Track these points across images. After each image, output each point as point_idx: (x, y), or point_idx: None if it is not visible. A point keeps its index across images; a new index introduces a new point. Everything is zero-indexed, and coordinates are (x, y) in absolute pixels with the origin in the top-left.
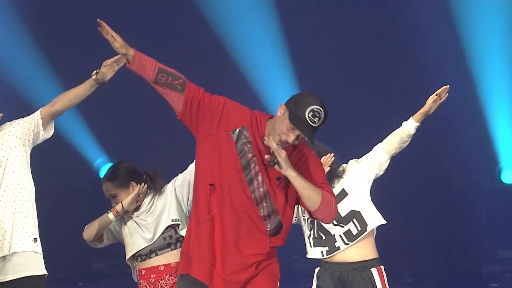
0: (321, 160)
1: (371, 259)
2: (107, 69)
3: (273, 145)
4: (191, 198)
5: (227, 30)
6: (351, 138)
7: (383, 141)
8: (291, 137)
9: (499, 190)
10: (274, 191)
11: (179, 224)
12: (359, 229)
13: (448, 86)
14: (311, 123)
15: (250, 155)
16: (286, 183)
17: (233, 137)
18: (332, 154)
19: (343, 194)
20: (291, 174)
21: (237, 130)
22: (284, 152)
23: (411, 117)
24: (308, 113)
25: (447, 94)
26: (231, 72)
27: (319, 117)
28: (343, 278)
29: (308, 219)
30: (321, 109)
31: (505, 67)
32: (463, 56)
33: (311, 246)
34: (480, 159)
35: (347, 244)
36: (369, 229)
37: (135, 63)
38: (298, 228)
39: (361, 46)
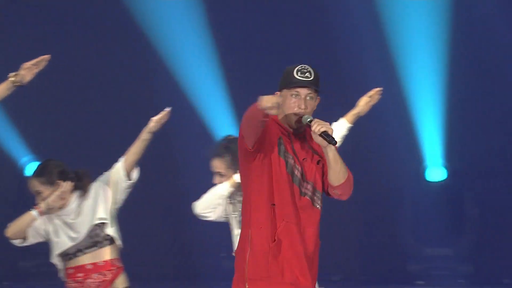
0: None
1: None
2: (26, 72)
3: (316, 121)
4: (117, 196)
5: (155, 29)
6: None
7: None
8: (301, 102)
9: (424, 188)
10: (314, 178)
11: (105, 223)
12: None
13: (380, 88)
14: (305, 79)
15: (292, 162)
16: (311, 160)
17: (278, 150)
18: None
19: None
20: (332, 148)
21: (278, 142)
22: (327, 123)
23: (342, 118)
24: (297, 74)
25: (379, 96)
26: (160, 71)
27: (309, 71)
28: None
29: (236, 217)
30: (305, 66)
31: (431, 67)
32: (389, 55)
33: None
34: (405, 158)
35: None
36: None
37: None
38: (225, 226)
39: (286, 45)
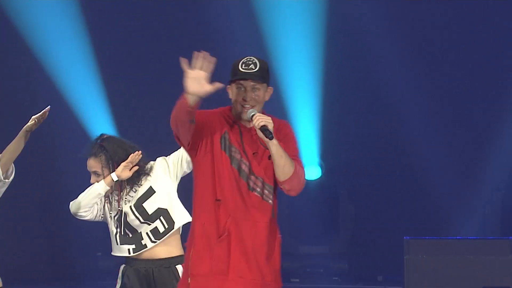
0: (129, 157)
1: (176, 256)
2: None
3: (258, 115)
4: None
5: (31, 30)
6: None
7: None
8: (245, 95)
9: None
10: (263, 172)
11: None
12: (166, 226)
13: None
14: (249, 71)
15: (238, 156)
16: (262, 155)
17: (221, 145)
18: (140, 152)
19: (150, 191)
20: (274, 142)
21: (221, 137)
22: (260, 114)
23: None
24: (241, 66)
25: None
26: (37, 71)
27: (254, 63)
28: (148, 274)
29: (115, 216)
30: (251, 58)
31: (306, 66)
32: (265, 51)
33: (117, 244)
34: None
35: (154, 242)
36: (176, 226)
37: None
38: (102, 225)
39: (169, 44)
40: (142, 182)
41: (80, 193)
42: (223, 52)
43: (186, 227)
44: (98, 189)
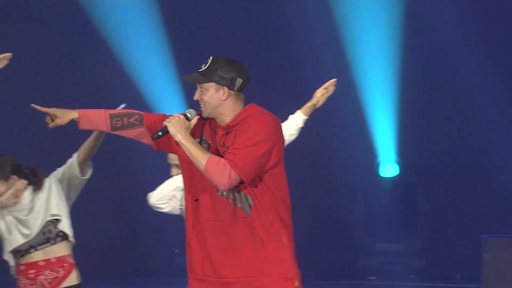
0: None
1: None
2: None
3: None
4: (70, 193)
5: (111, 29)
6: None
7: None
8: (196, 93)
9: (377, 184)
10: None
11: (58, 219)
12: None
13: (335, 79)
14: (194, 73)
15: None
16: None
17: None
18: None
19: None
20: (179, 139)
21: (199, 139)
22: (177, 117)
23: (298, 110)
24: None
25: (334, 87)
26: (115, 69)
27: (205, 63)
28: None
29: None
30: (210, 57)
31: (384, 64)
32: (343, 53)
33: None
34: (359, 154)
35: None
36: None
37: (85, 123)
38: (179, 220)
39: (246, 43)
40: None
41: (159, 185)
42: (301, 52)
43: None
44: (177, 182)
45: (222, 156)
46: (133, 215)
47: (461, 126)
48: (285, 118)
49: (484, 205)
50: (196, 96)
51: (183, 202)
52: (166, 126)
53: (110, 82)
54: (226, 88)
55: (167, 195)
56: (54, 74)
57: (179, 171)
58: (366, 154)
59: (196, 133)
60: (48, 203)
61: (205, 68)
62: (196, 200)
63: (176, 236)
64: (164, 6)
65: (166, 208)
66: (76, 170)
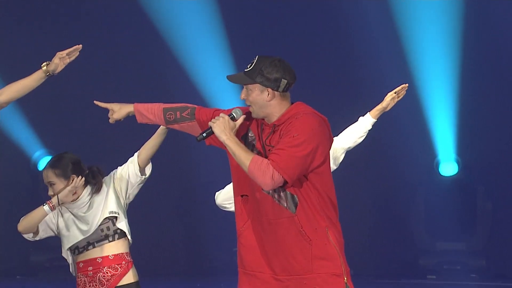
0: None
1: None
2: (60, 61)
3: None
4: (129, 191)
5: (170, 29)
6: None
7: (339, 135)
8: (241, 92)
9: (437, 183)
10: None
11: (116, 217)
12: None
13: (407, 85)
14: (236, 73)
15: (261, 155)
16: None
17: (244, 143)
18: None
19: None
20: (223, 140)
21: (245, 135)
22: (222, 117)
23: (368, 112)
24: None
25: (405, 92)
26: (173, 68)
27: (251, 62)
28: None
29: None
30: (255, 56)
31: (443, 62)
32: (403, 52)
33: None
34: (418, 152)
35: None
36: None
37: (140, 117)
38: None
39: (305, 44)
40: None
41: (227, 185)
42: (360, 53)
43: None
44: None
45: (267, 155)
46: (190, 214)
47: None
48: (344, 120)
49: None
50: (242, 96)
51: None
52: (211, 127)
53: (170, 82)
54: (270, 90)
55: (232, 197)
56: (115, 73)
57: None
58: (425, 152)
59: (243, 129)
60: (107, 200)
61: (250, 68)
62: (243, 196)
63: (235, 236)
64: (223, 5)
65: (232, 207)
66: (136, 168)
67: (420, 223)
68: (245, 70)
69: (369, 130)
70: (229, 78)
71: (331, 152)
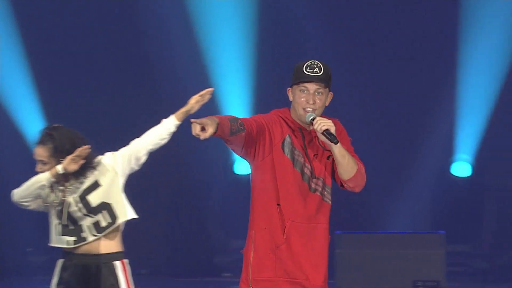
0: (77, 151)
1: (115, 252)
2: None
3: (318, 119)
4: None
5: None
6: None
7: (142, 136)
8: (309, 98)
9: (232, 182)
10: (324, 173)
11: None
12: (109, 221)
13: (212, 89)
14: (314, 74)
15: (302, 160)
16: (321, 156)
17: (283, 149)
18: (88, 146)
19: (96, 185)
20: (338, 144)
21: (283, 141)
22: (323, 119)
23: (173, 115)
24: (306, 69)
25: (210, 96)
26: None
27: (318, 67)
28: (86, 270)
29: (57, 206)
30: (315, 61)
31: (238, 63)
32: (199, 52)
33: (57, 235)
34: (214, 151)
35: (95, 236)
36: (118, 222)
37: (222, 131)
38: (32, 219)
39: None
40: (88, 175)
41: (25, 182)
42: (157, 57)
43: (129, 224)
44: (41, 179)
45: (311, 161)
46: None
47: None
48: (147, 123)
49: None
50: (311, 101)
51: (49, 200)
52: (329, 128)
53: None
54: (331, 94)
55: (32, 193)
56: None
57: (44, 167)
58: (221, 151)
59: (278, 134)
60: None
61: (322, 73)
62: (278, 204)
63: (28, 236)
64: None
65: (31, 205)
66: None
67: (217, 221)
68: (318, 74)
69: (173, 132)
70: (313, 78)
71: (133, 153)
